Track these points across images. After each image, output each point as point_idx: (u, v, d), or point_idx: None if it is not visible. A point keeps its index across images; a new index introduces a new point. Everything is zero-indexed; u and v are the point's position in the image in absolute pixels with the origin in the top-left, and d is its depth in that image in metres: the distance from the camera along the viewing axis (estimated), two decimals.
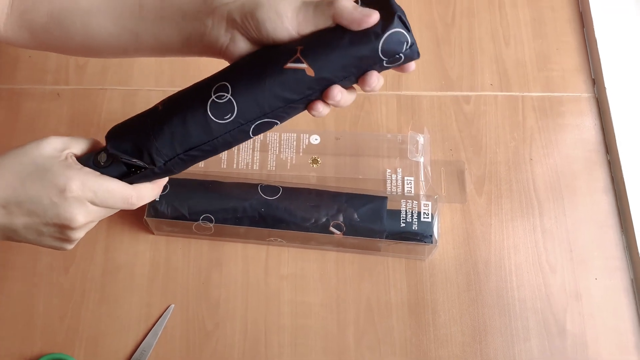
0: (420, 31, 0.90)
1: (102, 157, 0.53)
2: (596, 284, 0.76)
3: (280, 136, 0.79)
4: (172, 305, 0.73)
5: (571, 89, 0.87)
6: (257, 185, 0.73)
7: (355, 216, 0.72)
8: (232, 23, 0.52)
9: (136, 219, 0.76)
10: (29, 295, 0.73)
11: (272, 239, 0.75)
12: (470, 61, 0.89)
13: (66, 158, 0.51)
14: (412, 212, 0.73)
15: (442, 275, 0.76)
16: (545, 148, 0.83)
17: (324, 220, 0.72)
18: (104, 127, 0.82)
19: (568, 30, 0.91)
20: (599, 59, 0.86)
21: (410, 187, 0.76)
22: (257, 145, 0.79)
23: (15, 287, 0.74)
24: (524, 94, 0.87)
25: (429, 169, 0.76)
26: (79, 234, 0.52)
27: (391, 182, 0.78)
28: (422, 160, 0.76)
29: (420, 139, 0.77)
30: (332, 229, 0.72)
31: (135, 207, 0.54)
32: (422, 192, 0.75)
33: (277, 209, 0.72)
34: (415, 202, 0.74)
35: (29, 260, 0.75)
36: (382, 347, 0.72)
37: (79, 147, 0.53)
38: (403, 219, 0.73)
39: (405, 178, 0.78)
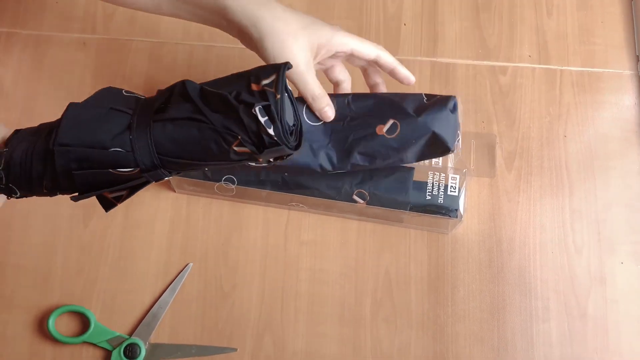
0: None
1: None
2: (622, 269, 0.74)
3: None
4: (191, 264, 0.73)
5: (613, 64, 0.83)
6: None
7: (380, 186, 0.71)
8: (243, 36, 0.59)
9: None
10: (48, 248, 0.73)
11: (293, 204, 0.74)
12: (509, 30, 0.85)
13: None
14: (438, 185, 0.71)
15: (464, 251, 0.75)
16: (580, 125, 0.80)
17: (347, 188, 0.71)
18: (129, 78, 0.81)
19: (615, 2, 0.86)
20: None
21: (438, 159, 0.74)
22: None
23: (35, 239, 0.74)
24: (563, 67, 0.83)
25: (459, 140, 0.74)
26: None
27: None
28: None
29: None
30: (355, 197, 0.71)
31: None
32: (450, 165, 0.73)
33: (301, 174, 0.71)
34: (442, 174, 0.72)
35: (49, 213, 0.75)
36: (399, 320, 0.72)
37: None
38: (429, 192, 0.71)
39: None
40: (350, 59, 0.67)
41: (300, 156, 0.64)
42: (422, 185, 0.71)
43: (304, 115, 0.63)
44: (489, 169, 0.77)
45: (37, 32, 0.83)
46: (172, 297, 0.71)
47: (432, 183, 0.71)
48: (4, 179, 0.52)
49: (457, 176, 0.72)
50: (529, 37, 0.85)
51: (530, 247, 0.75)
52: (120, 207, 0.74)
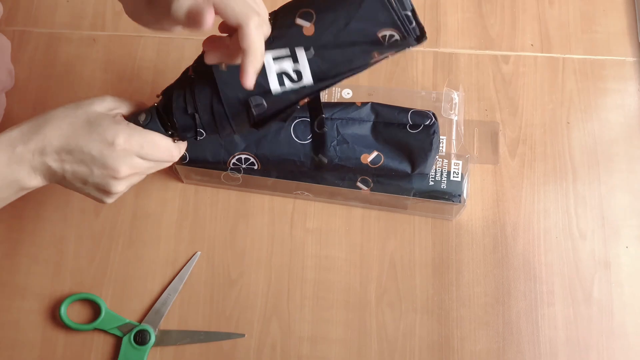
0: None
1: (142, 117, 0.57)
2: (627, 253, 0.75)
3: None
4: (199, 252, 0.74)
5: (615, 52, 0.84)
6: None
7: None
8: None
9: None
10: (60, 237, 0.75)
11: (299, 192, 0.75)
12: (511, 20, 0.86)
13: (115, 116, 0.55)
14: (441, 171, 0.72)
15: (469, 236, 0.75)
16: (583, 112, 0.81)
17: (351, 175, 0.72)
18: (138, 74, 0.83)
19: None
20: None
21: (442, 146, 0.75)
22: None
23: (48, 228, 0.76)
24: (565, 55, 0.84)
25: (462, 127, 0.75)
26: (120, 187, 0.56)
27: None
28: (455, 118, 0.75)
29: (455, 97, 0.76)
30: (359, 184, 0.72)
31: (175, 160, 0.59)
32: (453, 152, 0.74)
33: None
34: (445, 160, 0.73)
35: (62, 203, 0.76)
36: (404, 305, 0.73)
37: (126, 108, 0.58)
38: (432, 178, 0.72)
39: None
40: None
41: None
42: None
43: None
44: (492, 156, 0.78)
45: (49, 30, 0.85)
46: (181, 284, 0.72)
47: (435, 169, 0.72)
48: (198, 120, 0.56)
49: (460, 162, 0.73)
50: (531, 27, 0.85)
51: (535, 232, 0.76)
52: (129, 198, 0.77)
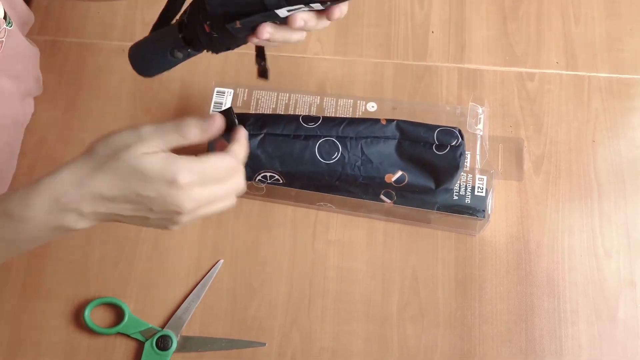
0: (487, 6, 0.88)
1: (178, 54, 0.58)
2: None
3: (336, 102, 0.79)
4: (221, 260, 0.74)
5: None
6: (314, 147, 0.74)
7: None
8: None
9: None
10: (85, 242, 0.76)
11: (321, 203, 0.75)
12: (536, 38, 0.86)
13: (160, 152, 0.51)
14: (465, 186, 0.72)
15: (492, 252, 0.75)
16: (609, 130, 0.81)
17: (374, 187, 0.72)
18: (166, 84, 0.84)
19: None
20: None
21: (467, 161, 0.75)
22: (314, 109, 0.79)
23: (74, 233, 0.76)
24: (591, 74, 0.84)
25: (486, 142, 0.75)
26: (186, 218, 0.52)
27: None
28: (480, 133, 0.75)
29: (480, 111, 0.76)
30: (382, 197, 0.72)
31: (240, 170, 0.54)
32: (477, 167, 0.74)
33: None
34: (470, 175, 0.73)
35: None
36: (425, 319, 0.72)
37: (166, 138, 0.52)
38: (456, 192, 0.72)
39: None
40: None
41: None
42: None
43: None
44: (517, 171, 0.78)
45: (80, 40, 0.87)
46: (204, 292, 0.73)
47: (460, 183, 0.72)
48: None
49: (485, 177, 0.72)
50: (557, 44, 0.86)
51: (559, 250, 0.75)
52: None
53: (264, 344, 0.71)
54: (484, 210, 0.72)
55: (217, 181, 0.52)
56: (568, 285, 0.74)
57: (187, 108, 0.83)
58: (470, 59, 0.85)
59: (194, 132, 0.53)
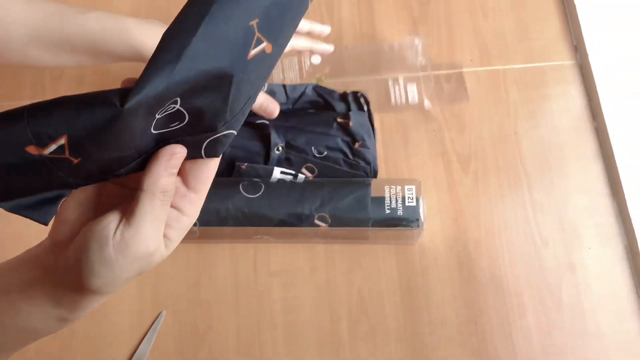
0: (397, 12, 0.89)
1: None
2: (590, 254, 0.75)
3: (282, 62, 0.82)
4: (164, 312, 0.73)
5: (553, 57, 0.85)
6: (238, 183, 0.73)
7: (339, 206, 0.72)
8: None
9: None
10: None
11: (258, 236, 0.74)
12: (448, 38, 0.87)
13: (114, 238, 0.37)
14: (396, 198, 0.72)
15: (433, 258, 0.75)
16: (530, 120, 0.82)
17: (308, 213, 0.72)
18: None
19: None
20: (579, 25, 0.85)
21: (414, 94, 0.77)
22: None
23: None
24: (506, 67, 0.85)
25: (430, 71, 0.79)
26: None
27: (394, 92, 0.81)
28: (422, 62, 0.79)
29: (417, 42, 0.80)
30: (317, 221, 0.72)
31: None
32: (425, 99, 0.78)
33: (260, 206, 0.71)
34: (399, 187, 0.73)
35: None
36: (377, 337, 0.72)
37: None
38: (388, 205, 0.72)
39: (408, 86, 0.80)
40: None
41: None
42: (380, 200, 0.72)
43: None
44: (463, 92, 0.82)
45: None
46: (149, 347, 0.71)
47: (390, 196, 0.72)
48: None
49: (413, 186, 0.73)
50: (469, 42, 0.87)
51: (497, 245, 0.76)
52: None
53: None
54: (417, 219, 0.72)
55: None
56: (511, 279, 0.74)
57: None
58: (388, 68, 0.85)
59: None
